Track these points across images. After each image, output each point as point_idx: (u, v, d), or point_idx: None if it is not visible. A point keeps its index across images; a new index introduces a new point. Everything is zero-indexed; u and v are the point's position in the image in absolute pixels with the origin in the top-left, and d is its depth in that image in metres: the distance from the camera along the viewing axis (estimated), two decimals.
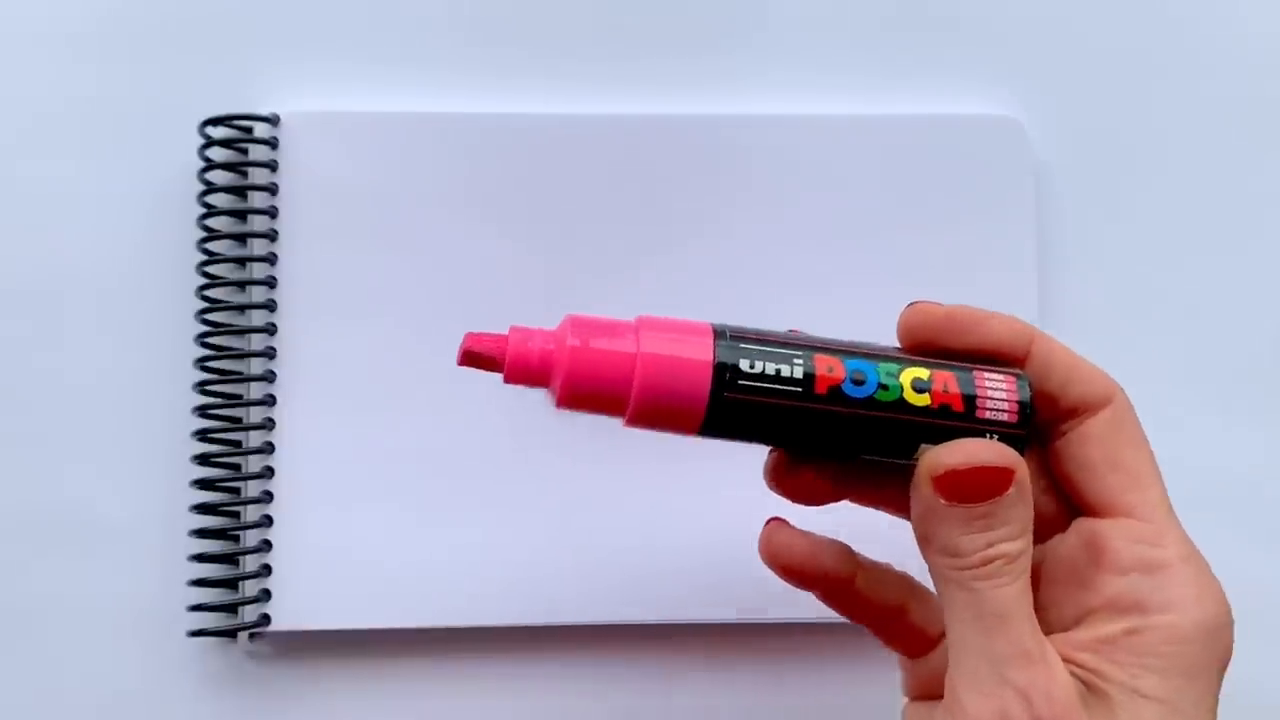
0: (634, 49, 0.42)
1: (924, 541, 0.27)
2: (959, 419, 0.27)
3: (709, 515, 0.39)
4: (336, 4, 0.42)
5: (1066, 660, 0.26)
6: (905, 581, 0.31)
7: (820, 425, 0.27)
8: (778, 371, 0.26)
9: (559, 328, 0.27)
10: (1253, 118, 0.43)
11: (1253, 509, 0.41)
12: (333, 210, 0.39)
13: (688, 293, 0.40)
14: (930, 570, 0.27)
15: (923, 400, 0.27)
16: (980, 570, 0.26)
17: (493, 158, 0.40)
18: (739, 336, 0.27)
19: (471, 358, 0.27)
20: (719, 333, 0.27)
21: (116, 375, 0.39)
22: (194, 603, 0.37)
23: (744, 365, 0.26)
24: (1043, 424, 0.29)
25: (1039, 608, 0.27)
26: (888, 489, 0.30)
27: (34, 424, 0.39)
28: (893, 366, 0.27)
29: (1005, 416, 0.27)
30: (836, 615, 0.38)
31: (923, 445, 0.27)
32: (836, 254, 0.40)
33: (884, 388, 0.27)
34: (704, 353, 0.26)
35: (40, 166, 0.40)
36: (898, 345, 0.29)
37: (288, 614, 0.38)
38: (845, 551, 0.30)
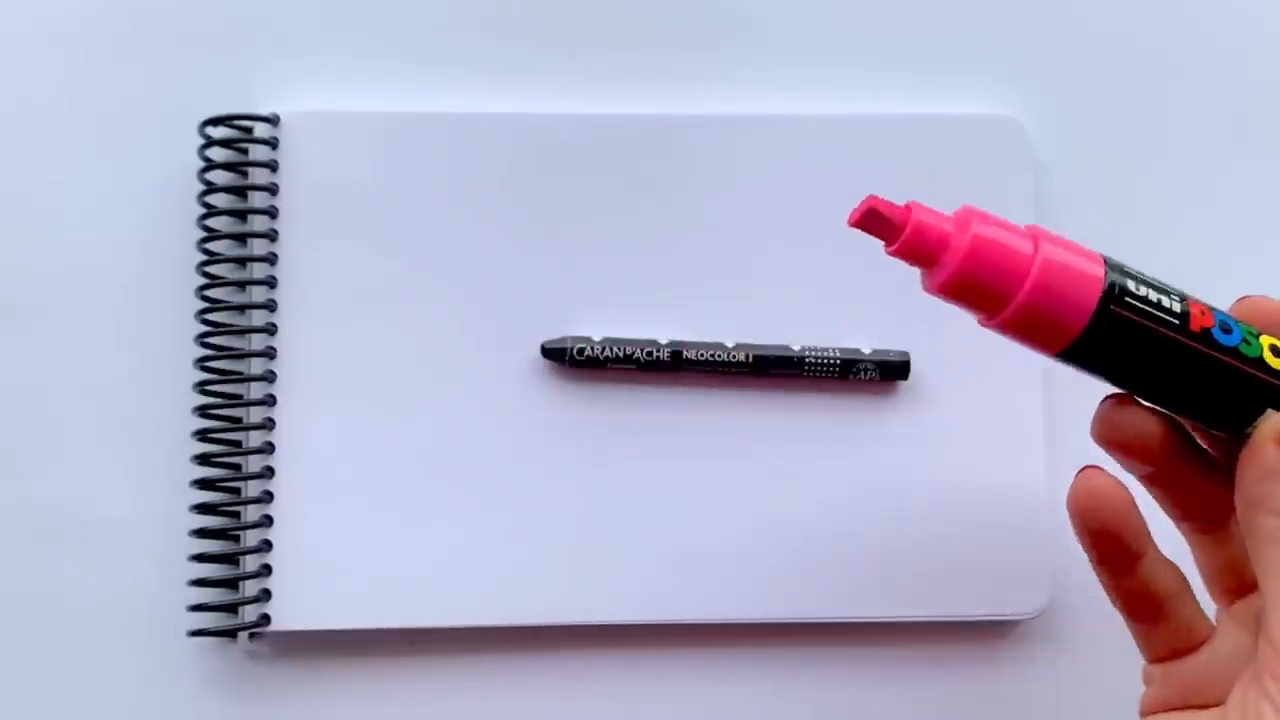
0: (634, 49, 0.42)
1: (1256, 504, 0.27)
2: None
3: (710, 515, 0.39)
4: (336, 4, 0.42)
5: None
6: (1182, 578, 0.30)
7: (1186, 363, 0.27)
8: (1160, 301, 0.27)
9: (957, 214, 0.27)
10: (1253, 118, 0.43)
11: None
12: (333, 210, 0.39)
13: (688, 291, 0.40)
14: (1254, 536, 0.27)
15: (1279, 364, 0.27)
16: None
17: (493, 158, 0.40)
18: (1124, 268, 0.27)
19: (872, 217, 0.27)
20: (1108, 260, 0.27)
21: (116, 375, 0.39)
22: (194, 603, 0.37)
23: (1131, 286, 0.27)
24: None
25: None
26: (1196, 475, 0.29)
27: (34, 424, 0.39)
28: (1252, 329, 0.28)
29: None
30: (839, 615, 0.38)
31: (1269, 411, 0.27)
32: (836, 254, 0.40)
33: (1247, 342, 0.27)
34: (1096, 270, 0.27)
35: (40, 166, 0.40)
36: None
37: (288, 614, 0.38)
38: (1144, 524, 0.30)
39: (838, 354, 0.39)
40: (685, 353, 0.39)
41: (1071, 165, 0.42)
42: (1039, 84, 0.42)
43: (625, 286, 0.40)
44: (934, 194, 0.40)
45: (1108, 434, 0.29)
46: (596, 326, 0.39)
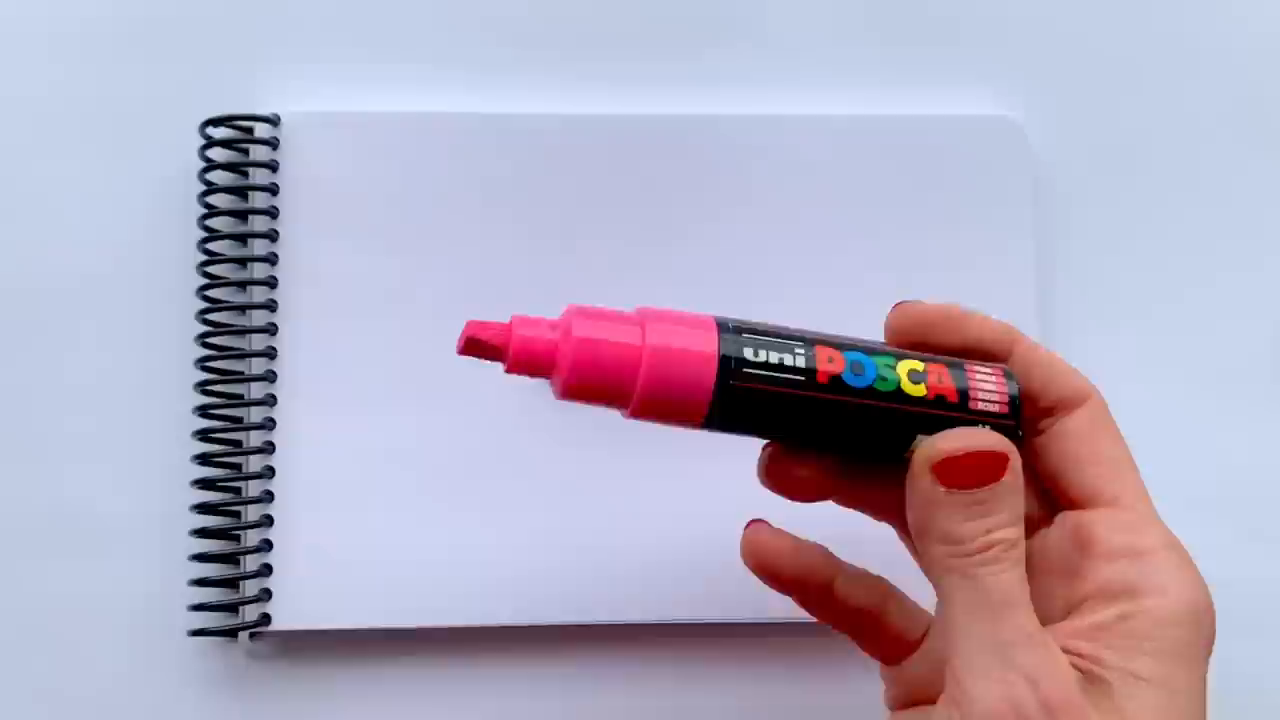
0: (634, 49, 0.42)
1: (922, 532, 0.27)
2: (953, 409, 0.27)
3: (710, 515, 0.38)
4: (336, 4, 0.42)
5: (1064, 650, 0.26)
6: (883, 586, 0.31)
7: (821, 415, 0.27)
8: (781, 360, 0.27)
9: (562, 317, 0.27)
10: (1252, 118, 0.43)
11: (1253, 508, 0.41)
12: (333, 210, 0.39)
13: (688, 292, 0.40)
14: (927, 562, 0.27)
15: (919, 390, 0.27)
16: (980, 557, 0.26)
17: (493, 158, 0.40)
18: (741, 328, 0.27)
19: (474, 345, 0.27)
20: (722, 325, 0.27)
21: (116, 375, 0.39)
22: (194, 602, 0.37)
23: (748, 354, 0.27)
24: (1026, 423, 0.29)
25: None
26: (874, 488, 0.30)
27: (34, 424, 0.39)
28: (889, 358, 0.28)
29: (996, 408, 0.28)
30: None
31: (919, 437, 0.27)
32: (836, 254, 0.40)
33: (882, 378, 0.27)
34: (709, 344, 0.26)
35: (40, 166, 0.40)
36: (883, 343, 0.30)
37: (288, 614, 0.38)
38: (825, 554, 0.31)
39: None
40: None
41: (1071, 165, 0.42)
42: (1039, 84, 0.42)
43: (625, 286, 0.40)
44: (934, 194, 0.41)
45: (769, 483, 0.30)
46: None
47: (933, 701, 0.27)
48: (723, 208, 0.40)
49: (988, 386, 0.28)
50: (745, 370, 0.26)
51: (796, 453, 0.29)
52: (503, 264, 0.40)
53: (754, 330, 0.27)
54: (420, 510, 0.38)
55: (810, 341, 0.27)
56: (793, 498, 0.30)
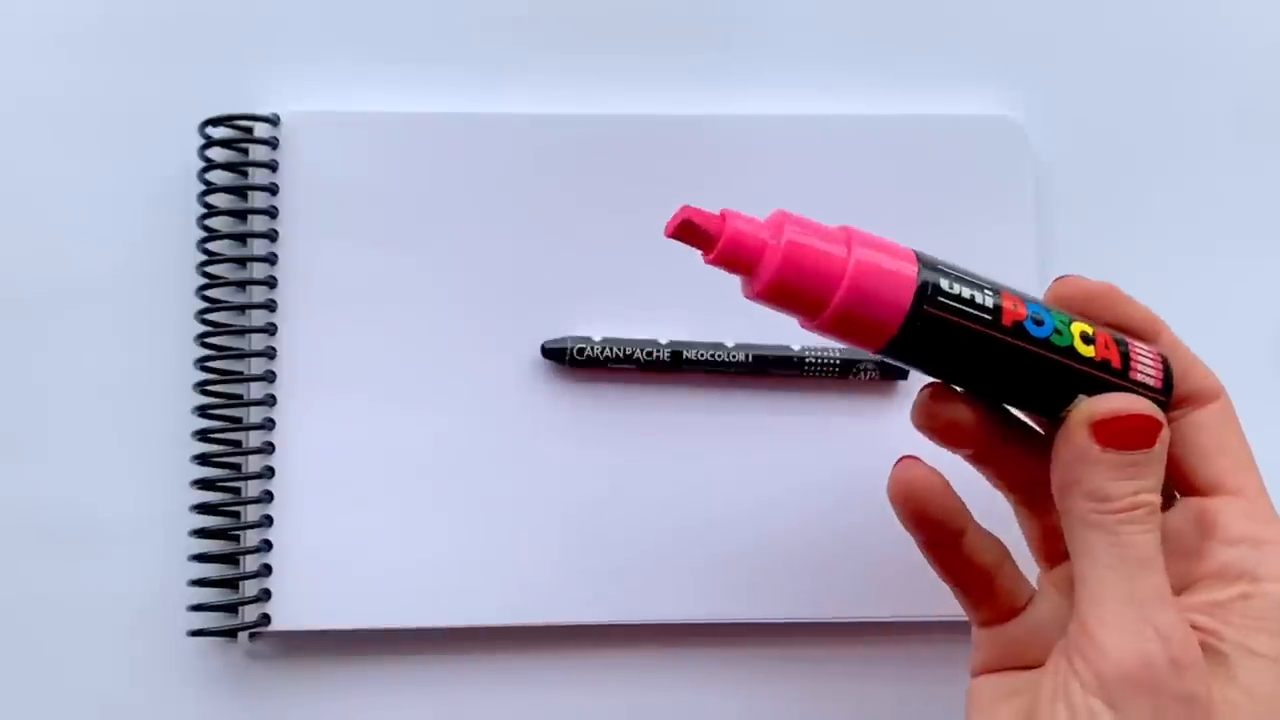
0: (634, 49, 0.42)
1: (1068, 486, 0.28)
2: (1115, 375, 0.28)
3: (711, 515, 0.39)
4: (336, 4, 0.42)
5: None
6: (1002, 548, 0.32)
7: (998, 357, 0.28)
8: (972, 297, 0.28)
9: (771, 219, 0.28)
10: (1252, 118, 0.43)
11: None
12: (333, 210, 0.39)
13: (688, 292, 0.40)
14: (1068, 516, 0.28)
15: (1089, 351, 0.28)
16: (1126, 515, 0.27)
17: (493, 158, 0.40)
18: (937, 264, 0.28)
19: (687, 228, 0.27)
20: (920, 257, 0.28)
21: (116, 375, 0.39)
22: (194, 602, 0.37)
23: (944, 284, 0.27)
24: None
25: None
26: (1016, 451, 0.31)
27: (34, 424, 0.39)
28: (1064, 317, 0.29)
29: (1153, 381, 0.29)
30: (840, 615, 0.38)
31: (1080, 396, 0.28)
32: None
33: (1058, 332, 0.28)
34: (909, 269, 0.27)
35: (40, 166, 0.40)
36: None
37: (288, 614, 0.38)
38: (963, 504, 0.31)
39: (838, 354, 0.39)
40: (685, 353, 0.39)
41: (1071, 165, 0.42)
42: (1039, 84, 0.42)
43: (625, 286, 0.40)
44: (934, 194, 0.41)
45: (924, 422, 0.30)
46: (596, 326, 0.39)
47: (1025, 668, 0.29)
48: (723, 207, 0.40)
49: (1147, 361, 0.29)
50: (939, 299, 0.27)
51: (955, 396, 0.30)
52: (503, 264, 0.39)
53: (949, 267, 0.28)
54: (420, 510, 0.38)
55: (998, 289, 0.28)
56: (940, 440, 0.31)
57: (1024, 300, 0.28)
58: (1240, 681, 0.26)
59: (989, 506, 0.32)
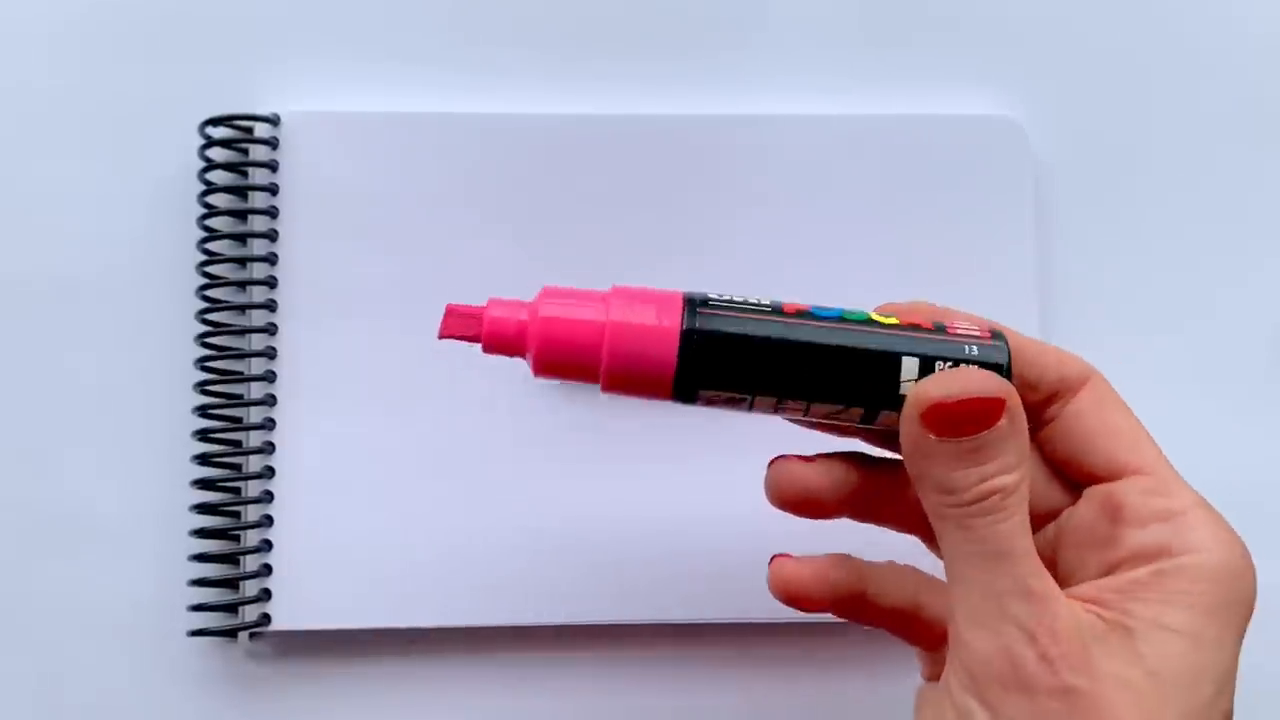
0: (634, 49, 0.42)
1: (917, 480, 0.26)
2: (930, 334, 0.27)
3: (711, 515, 0.39)
4: (336, 4, 0.42)
5: (1090, 600, 0.26)
6: (914, 577, 0.30)
7: (794, 349, 0.27)
8: (745, 300, 0.27)
9: (534, 298, 0.28)
10: (1252, 118, 0.43)
11: (1252, 507, 0.40)
12: (333, 210, 0.39)
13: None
14: (926, 510, 0.27)
15: (890, 320, 0.27)
16: (976, 507, 0.25)
17: (493, 158, 0.40)
18: (708, 300, 0.27)
19: (451, 325, 0.28)
20: (689, 298, 0.27)
21: (116, 375, 0.39)
22: (194, 602, 0.37)
23: (711, 296, 0.27)
24: (1029, 413, 0.28)
25: (1062, 573, 0.28)
26: (888, 498, 0.30)
27: (34, 424, 0.39)
28: (860, 312, 0.28)
29: (978, 333, 0.27)
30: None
31: (906, 363, 0.26)
32: (836, 254, 0.40)
33: (849, 312, 0.27)
34: (673, 316, 0.27)
35: (40, 166, 0.40)
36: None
37: (288, 614, 0.38)
38: (852, 565, 0.30)
39: None
40: None
41: (1071, 165, 0.42)
42: (1039, 84, 0.42)
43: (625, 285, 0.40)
44: (934, 194, 0.41)
45: (775, 496, 0.30)
46: None
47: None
48: (722, 208, 0.40)
49: (966, 324, 0.28)
50: (711, 301, 0.27)
51: (801, 460, 0.29)
52: (502, 264, 0.39)
53: (722, 300, 0.27)
54: (420, 510, 0.38)
55: (778, 304, 0.27)
56: (805, 515, 0.30)
57: (811, 306, 0.28)
58: (1145, 659, 0.25)
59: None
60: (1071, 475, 0.29)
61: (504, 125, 0.40)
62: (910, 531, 0.30)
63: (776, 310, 0.27)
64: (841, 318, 0.27)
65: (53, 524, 0.39)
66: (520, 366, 0.39)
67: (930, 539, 0.30)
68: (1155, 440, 0.28)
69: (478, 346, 0.28)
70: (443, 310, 0.27)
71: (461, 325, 0.28)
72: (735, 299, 0.27)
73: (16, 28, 0.41)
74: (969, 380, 0.26)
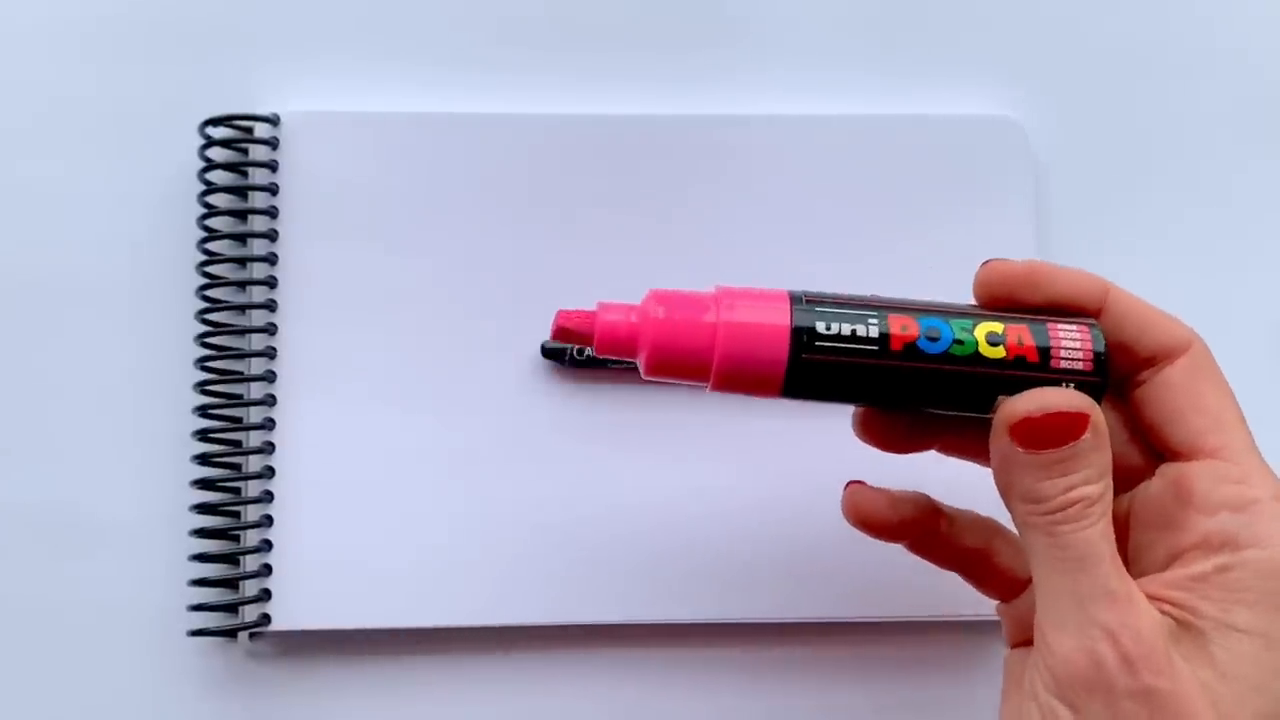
0: (633, 49, 0.42)
1: (1005, 490, 0.27)
2: (1034, 369, 0.28)
3: (714, 515, 0.39)
4: (336, 4, 0.42)
5: (1158, 599, 0.26)
6: (990, 525, 0.32)
7: (898, 382, 0.28)
8: (853, 332, 0.27)
9: (643, 301, 0.29)
10: (1252, 118, 0.43)
11: None
12: (333, 210, 0.39)
13: None
14: (1014, 519, 0.28)
15: (997, 353, 0.27)
16: (1061, 515, 0.26)
17: (493, 158, 0.40)
18: (815, 300, 0.28)
19: (564, 333, 0.29)
20: (795, 298, 0.28)
21: (116, 375, 0.39)
22: (194, 602, 0.37)
23: (820, 327, 0.27)
24: (1122, 374, 0.29)
25: (1130, 553, 0.28)
26: (970, 438, 0.31)
27: (34, 424, 0.39)
28: (966, 322, 0.28)
29: (1081, 365, 0.28)
30: (840, 615, 0.38)
31: (1000, 396, 0.27)
32: (836, 255, 0.40)
33: (959, 342, 0.27)
34: (781, 318, 0.27)
35: (40, 166, 0.40)
36: (973, 304, 0.30)
37: (288, 614, 0.38)
38: (927, 502, 0.31)
39: None
40: None
41: (1071, 165, 0.42)
42: (1039, 84, 0.42)
43: (625, 286, 0.40)
44: (934, 194, 0.41)
45: (864, 436, 0.31)
46: None
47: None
48: (723, 208, 0.40)
49: (1071, 344, 0.28)
50: (818, 344, 0.27)
51: (888, 414, 0.30)
52: (503, 264, 0.39)
53: (826, 301, 0.28)
54: (420, 510, 0.38)
55: (884, 309, 0.28)
56: (889, 450, 0.31)
57: (917, 316, 0.28)
58: (1217, 661, 0.25)
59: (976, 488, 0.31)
60: (1154, 444, 0.29)
61: (504, 125, 0.40)
62: (956, 570, 0.32)
63: (884, 341, 0.27)
64: (949, 355, 0.27)
65: (52, 524, 0.39)
66: (520, 366, 0.39)
67: (973, 577, 0.32)
68: (1244, 422, 0.28)
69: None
70: (552, 316, 0.29)
71: (574, 331, 0.29)
72: (843, 310, 0.28)
73: (17, 28, 0.41)
74: (1052, 396, 0.27)
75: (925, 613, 0.38)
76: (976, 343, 0.27)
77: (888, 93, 0.42)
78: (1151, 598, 0.26)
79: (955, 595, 0.38)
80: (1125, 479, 0.29)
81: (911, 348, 0.27)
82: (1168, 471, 0.28)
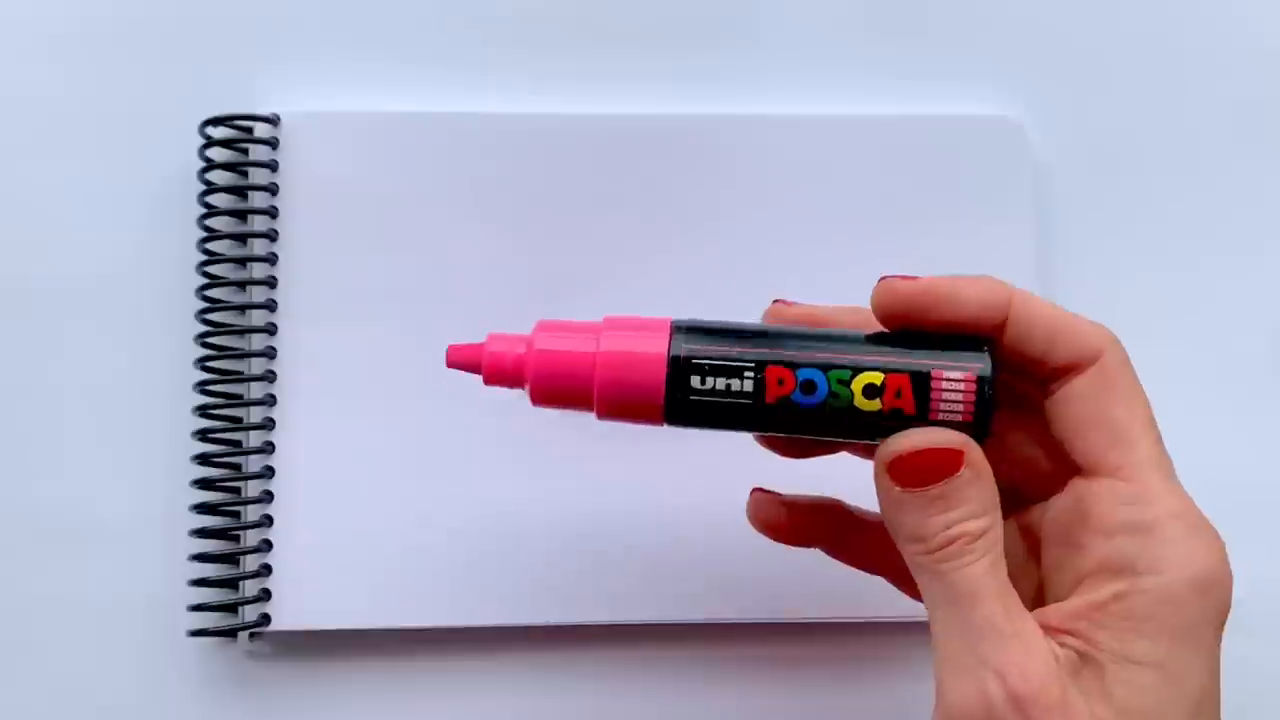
0: (634, 49, 0.42)
1: (894, 534, 0.27)
2: (910, 421, 0.27)
3: (712, 516, 0.39)
4: (336, 4, 0.42)
5: (1060, 630, 0.26)
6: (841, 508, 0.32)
7: (775, 424, 0.28)
8: (728, 386, 0.27)
9: (531, 332, 0.29)
10: (1251, 117, 0.43)
11: (1252, 507, 0.40)
12: (333, 210, 0.39)
13: (687, 293, 0.40)
14: (907, 563, 0.27)
15: (873, 406, 0.27)
16: (941, 553, 0.26)
17: (493, 158, 0.40)
18: (696, 329, 0.28)
19: (455, 365, 0.30)
20: (676, 327, 0.28)
21: (116, 375, 0.39)
22: (194, 602, 0.37)
23: (695, 382, 0.27)
24: (1034, 385, 0.28)
25: (1044, 571, 0.28)
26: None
27: (34, 424, 0.39)
28: (844, 374, 0.27)
29: (959, 417, 0.27)
30: (840, 615, 0.38)
31: (880, 439, 0.27)
32: (836, 254, 0.40)
33: (834, 395, 0.27)
34: (659, 346, 0.28)
35: (40, 166, 0.40)
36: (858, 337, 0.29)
37: (288, 614, 0.38)
38: (837, 507, 0.31)
39: None
40: None
41: (1071, 165, 0.42)
42: (1039, 84, 0.42)
43: (625, 286, 0.40)
44: (934, 194, 0.41)
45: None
46: None
47: None
48: (722, 208, 0.40)
49: (953, 395, 0.27)
50: (692, 397, 0.27)
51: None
52: (502, 264, 0.39)
53: (708, 332, 0.28)
54: (420, 510, 0.38)
55: (761, 363, 0.27)
56: (790, 457, 0.31)
57: (795, 368, 0.27)
58: (1114, 697, 0.24)
59: None
60: (1059, 462, 0.28)
61: (504, 125, 0.40)
62: (877, 573, 0.32)
63: (758, 395, 0.27)
64: (825, 406, 0.27)
65: (53, 524, 0.39)
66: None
67: (897, 580, 0.32)
68: (1154, 435, 0.27)
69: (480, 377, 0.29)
70: (445, 349, 0.30)
71: (461, 363, 0.30)
72: (716, 358, 0.28)
73: (17, 29, 0.41)
74: (929, 435, 0.26)
75: (925, 613, 0.38)
76: (853, 395, 0.27)
77: (888, 93, 0.42)
78: (1053, 629, 0.26)
79: None
80: (1041, 489, 0.29)
81: (785, 401, 0.27)
82: (1075, 488, 0.27)
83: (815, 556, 0.39)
